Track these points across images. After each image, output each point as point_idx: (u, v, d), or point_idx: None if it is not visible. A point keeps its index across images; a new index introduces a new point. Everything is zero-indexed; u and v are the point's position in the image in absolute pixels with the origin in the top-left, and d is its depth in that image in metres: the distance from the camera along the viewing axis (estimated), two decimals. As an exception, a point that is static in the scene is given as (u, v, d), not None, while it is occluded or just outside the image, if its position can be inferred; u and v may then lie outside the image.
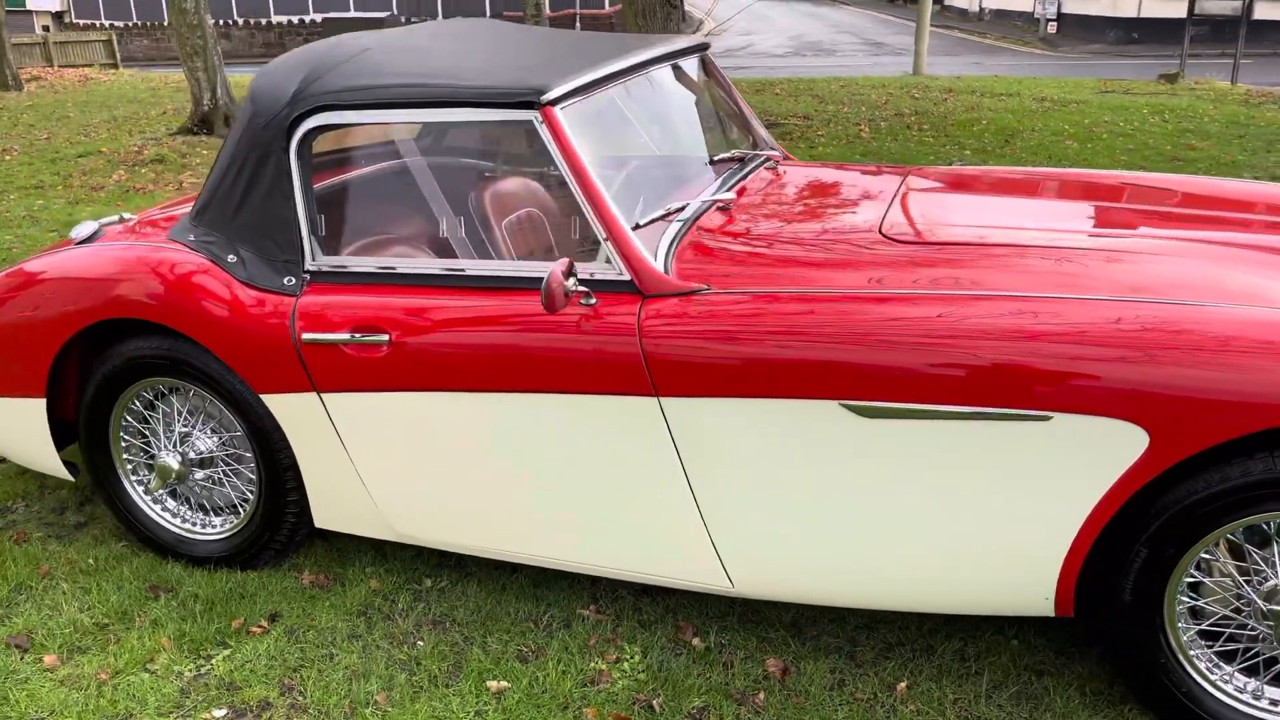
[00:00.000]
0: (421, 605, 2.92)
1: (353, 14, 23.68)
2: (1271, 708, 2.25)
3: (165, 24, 29.80)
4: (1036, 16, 26.97)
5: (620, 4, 28.58)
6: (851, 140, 9.60)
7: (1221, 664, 2.29)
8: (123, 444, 3.14)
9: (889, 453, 2.28)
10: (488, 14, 29.25)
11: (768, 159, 3.38)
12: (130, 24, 29.88)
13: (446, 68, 2.77)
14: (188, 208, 3.53)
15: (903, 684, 2.54)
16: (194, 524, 3.16)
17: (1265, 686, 2.27)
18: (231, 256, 2.86)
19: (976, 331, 2.19)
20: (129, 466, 3.17)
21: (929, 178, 3.30)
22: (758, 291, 2.42)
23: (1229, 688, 2.27)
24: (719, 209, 2.89)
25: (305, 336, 2.71)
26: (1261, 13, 14.94)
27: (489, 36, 3.15)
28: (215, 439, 3.06)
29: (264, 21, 29.38)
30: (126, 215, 3.40)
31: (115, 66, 22.17)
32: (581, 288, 2.46)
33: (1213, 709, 2.27)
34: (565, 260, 2.42)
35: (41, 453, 3.22)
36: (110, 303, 2.91)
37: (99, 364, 3.01)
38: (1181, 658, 2.28)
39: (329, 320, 2.70)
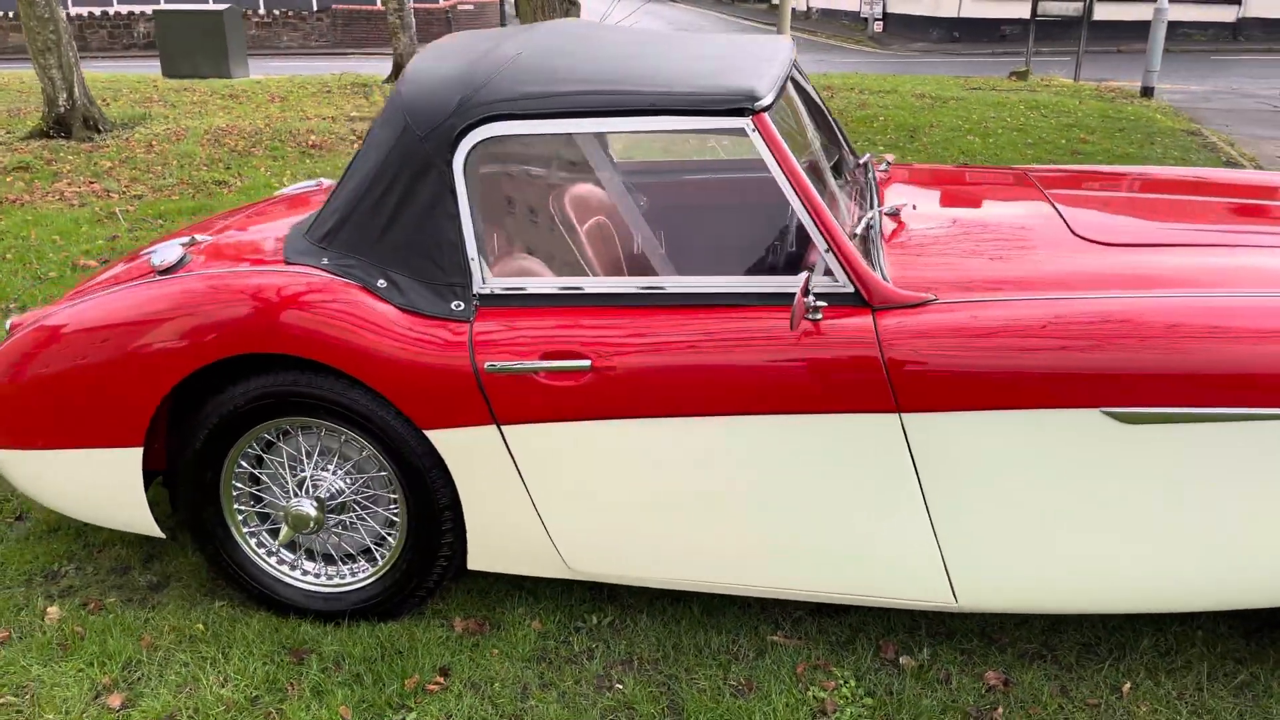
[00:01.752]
0: (600, 645, 2.74)
1: (180, 6, 21.78)
2: None
3: (-49, 16, 27.05)
4: (864, 16, 28.05)
5: (453, -1, 28.04)
6: (762, 138, 9.69)
7: None
8: (234, 493, 2.81)
9: (1153, 459, 2.28)
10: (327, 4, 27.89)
11: (882, 163, 3.35)
12: (-93, 16, 26.89)
13: (627, 72, 2.59)
14: (263, 224, 3.21)
15: (1127, 685, 2.56)
16: (320, 575, 2.85)
17: None
18: (381, 281, 2.59)
19: (1245, 331, 2.22)
20: (240, 518, 2.83)
21: (1054, 177, 3.34)
22: (996, 298, 2.38)
23: None
24: (888, 216, 2.84)
25: (488, 365, 2.49)
26: (1095, 13, 16.17)
27: (626, 39, 2.97)
28: (348, 481, 2.77)
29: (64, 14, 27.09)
30: (200, 236, 3.03)
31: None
32: (820, 302, 2.36)
33: None
34: (805, 275, 2.33)
35: (130, 509, 2.82)
36: (241, 337, 2.58)
37: (214, 406, 2.67)
38: None
39: (516, 347, 2.49)
